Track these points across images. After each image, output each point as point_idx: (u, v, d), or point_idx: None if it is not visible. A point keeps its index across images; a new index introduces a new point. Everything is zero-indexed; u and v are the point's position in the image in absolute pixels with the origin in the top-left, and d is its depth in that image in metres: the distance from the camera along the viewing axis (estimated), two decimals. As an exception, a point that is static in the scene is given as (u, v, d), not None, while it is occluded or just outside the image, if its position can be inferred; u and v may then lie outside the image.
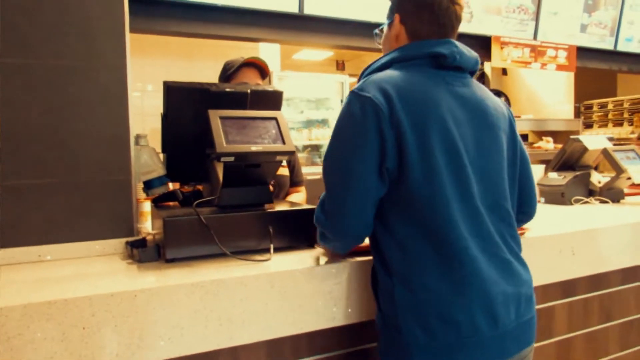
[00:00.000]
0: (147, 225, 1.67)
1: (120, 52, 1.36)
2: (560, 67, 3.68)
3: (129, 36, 1.42)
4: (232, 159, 1.24)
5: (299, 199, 1.99)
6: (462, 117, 1.08)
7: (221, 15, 2.68)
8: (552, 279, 1.54)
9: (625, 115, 5.41)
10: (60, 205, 1.29)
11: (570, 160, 2.30)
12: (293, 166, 2.06)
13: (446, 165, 1.02)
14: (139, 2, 2.36)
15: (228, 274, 1.08)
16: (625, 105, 5.39)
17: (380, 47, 1.28)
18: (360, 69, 1.25)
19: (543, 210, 2.07)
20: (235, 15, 2.70)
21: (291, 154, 1.31)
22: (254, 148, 1.26)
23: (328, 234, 1.13)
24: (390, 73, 1.10)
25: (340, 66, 7.74)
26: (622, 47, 3.84)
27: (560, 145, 3.04)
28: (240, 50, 3.46)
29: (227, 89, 1.41)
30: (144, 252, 1.22)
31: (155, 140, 1.48)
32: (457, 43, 1.13)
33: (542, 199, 2.26)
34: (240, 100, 1.43)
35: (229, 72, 1.89)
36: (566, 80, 4.57)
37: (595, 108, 5.46)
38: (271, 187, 1.49)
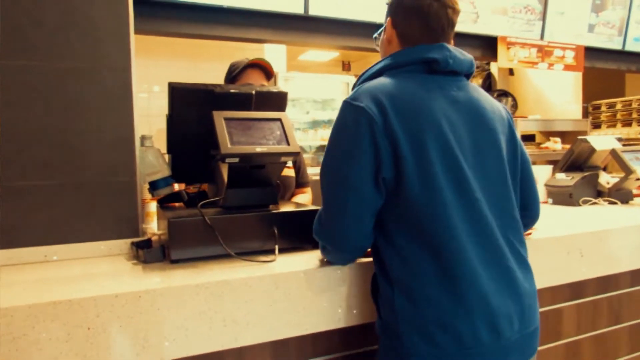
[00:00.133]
0: (153, 225, 1.67)
1: (125, 54, 1.36)
2: (567, 67, 3.66)
3: (133, 38, 1.42)
4: (236, 160, 1.24)
5: (304, 199, 1.99)
6: (458, 122, 1.06)
7: (226, 17, 2.69)
8: (560, 281, 1.52)
9: (634, 115, 5.36)
10: (65, 206, 1.29)
11: (578, 160, 2.28)
12: (299, 167, 2.06)
13: (444, 174, 1.01)
14: (144, 3, 2.37)
15: (233, 275, 1.08)
16: (634, 105, 5.34)
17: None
18: (366, 69, 1.23)
19: (551, 211, 2.05)
20: (241, 16, 2.70)
21: (296, 155, 1.30)
22: (258, 149, 1.25)
23: (328, 247, 1.12)
24: (383, 81, 1.08)
25: (346, 67, 7.73)
26: (630, 47, 3.81)
27: (568, 146, 3.01)
28: (245, 52, 3.47)
29: (232, 90, 1.41)
30: (149, 253, 1.22)
31: (161, 141, 1.48)
32: (450, 47, 1.11)
33: (550, 200, 2.24)
34: (244, 101, 1.43)
35: (234, 74, 1.89)
36: (574, 80, 4.54)
37: (603, 108, 5.41)
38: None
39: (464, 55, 1.13)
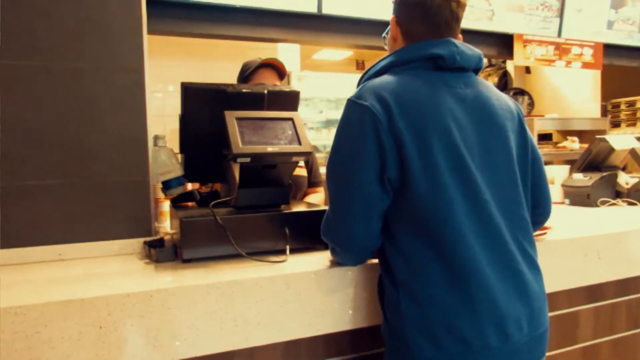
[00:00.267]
0: (167, 224, 1.68)
1: (138, 55, 1.37)
2: (585, 65, 3.58)
3: (146, 38, 1.43)
4: (248, 159, 1.23)
5: (317, 199, 1.98)
6: (465, 121, 1.03)
7: (239, 16, 2.69)
8: (576, 284, 1.49)
9: (655, 114, 5.24)
10: (79, 205, 1.31)
11: (596, 160, 2.23)
12: (311, 166, 2.05)
13: (450, 173, 0.98)
14: (156, 4, 2.37)
15: (244, 275, 1.07)
16: (655, 103, 5.21)
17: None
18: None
19: (568, 212, 2.02)
20: (253, 15, 2.69)
21: (307, 154, 1.30)
22: (270, 149, 1.25)
23: (335, 247, 1.11)
24: (388, 78, 1.06)
25: (360, 66, 7.70)
26: (651, 44, 3.72)
27: (586, 145, 2.96)
28: (259, 51, 3.47)
29: (244, 90, 1.41)
30: (161, 252, 1.23)
31: (175, 141, 1.48)
32: (457, 42, 1.08)
33: (567, 201, 2.20)
34: (257, 100, 1.42)
35: (246, 73, 1.89)
36: (592, 78, 4.45)
37: (622, 106, 5.29)
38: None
39: (472, 50, 1.10)
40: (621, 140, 2.21)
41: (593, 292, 1.57)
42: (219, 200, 1.34)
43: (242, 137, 1.24)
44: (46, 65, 1.28)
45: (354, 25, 2.93)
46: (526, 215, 1.09)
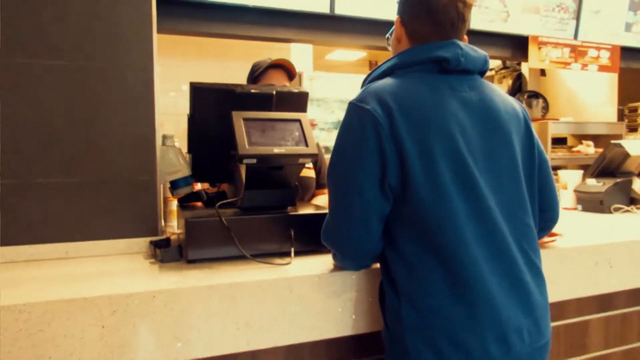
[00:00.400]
0: (175, 223, 1.69)
1: (148, 54, 1.38)
2: (602, 68, 3.52)
3: (156, 37, 1.44)
4: (254, 161, 1.23)
5: (324, 201, 1.97)
6: (469, 125, 1.01)
7: (252, 16, 2.69)
8: (586, 292, 1.46)
9: (674, 118, 5.13)
10: (86, 203, 1.32)
11: (610, 166, 2.19)
12: (320, 168, 2.05)
13: (453, 179, 0.97)
14: (169, 3, 2.39)
15: (247, 277, 1.07)
16: (674, 108, 5.11)
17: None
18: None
19: (580, 218, 1.98)
20: (266, 15, 2.70)
21: (314, 156, 1.29)
22: (276, 150, 1.25)
23: (336, 252, 1.10)
24: (390, 82, 1.04)
25: (373, 66, 7.66)
26: (670, 47, 3.64)
27: (601, 150, 2.91)
28: (272, 51, 3.46)
29: (253, 90, 1.41)
30: (166, 253, 1.23)
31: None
32: (462, 44, 1.06)
33: (580, 207, 2.16)
34: (265, 101, 1.42)
35: (256, 74, 1.89)
36: (609, 81, 4.37)
37: (640, 111, 5.21)
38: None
39: (477, 52, 1.08)
40: (637, 145, 2.16)
41: (604, 301, 1.54)
42: (225, 201, 1.33)
43: (248, 138, 1.24)
44: (56, 63, 1.29)
45: (366, 26, 2.92)
46: (530, 221, 1.07)
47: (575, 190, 2.19)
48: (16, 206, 1.26)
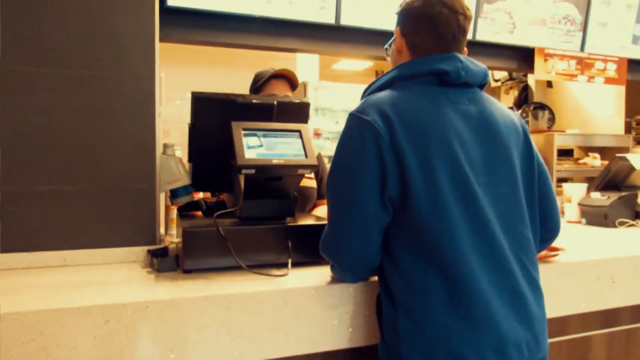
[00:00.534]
0: (176, 232, 1.69)
1: (150, 62, 1.38)
2: (609, 81, 3.50)
3: (158, 46, 1.45)
4: (253, 171, 1.23)
5: (325, 212, 1.96)
6: (468, 138, 1.01)
7: (258, 26, 2.70)
8: (589, 308, 1.44)
9: (682, 131, 5.08)
10: (85, 211, 1.32)
11: (615, 179, 2.17)
12: (321, 178, 2.04)
13: (453, 192, 0.96)
14: (175, 12, 2.41)
15: (242, 288, 1.06)
16: (682, 121, 5.05)
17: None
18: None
19: (583, 232, 1.96)
20: (272, 25, 2.71)
21: (313, 167, 1.29)
22: (275, 161, 1.24)
23: (334, 264, 1.10)
24: (391, 93, 1.05)
25: (379, 75, 7.68)
26: (678, 60, 3.61)
27: (608, 162, 2.88)
28: (279, 61, 3.48)
29: (254, 101, 1.41)
30: (162, 262, 1.23)
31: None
32: (462, 57, 1.06)
33: (584, 220, 2.14)
34: (266, 111, 1.42)
35: (258, 84, 1.90)
36: (616, 94, 4.34)
37: (648, 123, 5.16)
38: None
39: (477, 65, 1.08)
40: (643, 159, 2.14)
41: (607, 317, 1.52)
42: (224, 211, 1.33)
43: (247, 148, 1.24)
44: (57, 71, 1.30)
45: (371, 37, 2.93)
46: (529, 234, 1.06)
47: (579, 204, 2.17)
48: (15, 213, 1.27)
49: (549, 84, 4.79)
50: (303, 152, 1.30)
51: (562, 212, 2.21)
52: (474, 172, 0.99)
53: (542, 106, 4.52)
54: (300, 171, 1.29)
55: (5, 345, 0.90)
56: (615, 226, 2.03)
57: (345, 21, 2.80)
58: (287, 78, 1.89)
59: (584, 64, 3.47)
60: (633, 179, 2.16)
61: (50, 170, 1.30)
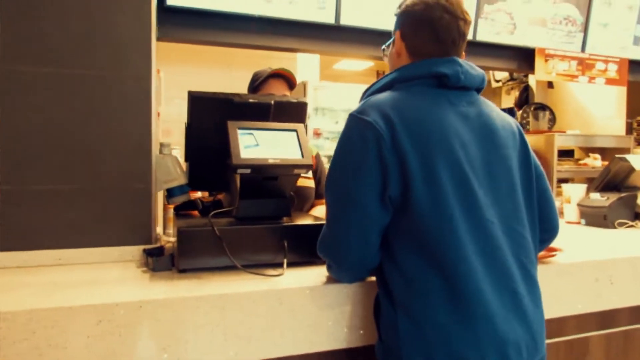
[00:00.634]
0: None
1: (146, 62, 1.38)
2: (610, 81, 3.49)
3: (155, 46, 1.44)
4: (248, 171, 1.23)
5: (323, 212, 1.95)
6: (468, 139, 1.01)
7: (257, 26, 2.70)
8: (587, 309, 1.43)
9: (684, 132, 5.06)
10: (81, 210, 1.32)
11: (615, 180, 2.16)
12: (319, 178, 2.03)
13: (454, 192, 0.96)
14: (174, 11, 2.41)
15: (236, 288, 1.06)
16: (684, 122, 5.03)
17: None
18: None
19: (582, 233, 1.95)
20: (271, 25, 2.70)
21: (309, 167, 1.28)
22: (271, 160, 1.24)
23: (332, 264, 1.09)
24: (391, 95, 1.05)
25: (380, 76, 7.67)
26: (679, 61, 3.60)
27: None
28: (280, 60, 3.47)
29: (251, 100, 1.41)
30: (157, 261, 1.22)
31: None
32: (462, 61, 1.07)
33: (583, 221, 2.13)
34: (263, 111, 1.42)
35: (256, 83, 1.90)
36: (618, 94, 4.33)
37: (649, 124, 5.14)
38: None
39: (475, 70, 1.09)
40: (642, 160, 2.13)
41: (605, 318, 1.51)
42: (219, 211, 1.33)
43: (243, 147, 1.24)
44: (53, 71, 1.30)
45: (371, 37, 2.92)
46: (528, 234, 1.06)
47: (578, 205, 2.16)
48: (11, 212, 1.27)
49: (550, 84, 4.78)
50: (299, 152, 1.29)
51: (562, 213, 2.20)
52: (474, 173, 0.99)
53: (542, 107, 4.52)
54: (296, 171, 1.29)
55: (-3, 344, 0.89)
56: (615, 227, 2.02)
57: (345, 21, 2.80)
58: (285, 77, 1.89)
59: (584, 65, 3.46)
60: (633, 180, 2.15)
61: (46, 170, 1.29)
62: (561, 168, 3.68)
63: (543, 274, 1.08)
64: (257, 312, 1.05)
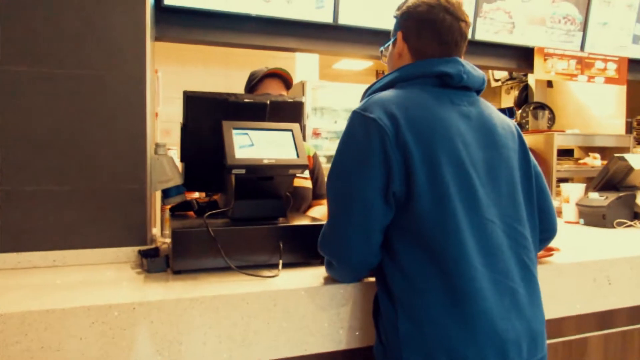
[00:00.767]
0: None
1: (141, 63, 1.37)
2: (609, 80, 3.48)
3: (150, 46, 1.44)
4: (243, 171, 1.22)
5: (321, 212, 1.95)
6: (470, 138, 1.02)
7: (255, 25, 2.69)
8: (585, 310, 1.42)
9: (684, 131, 5.05)
10: (76, 211, 1.31)
11: (613, 179, 2.15)
12: (317, 178, 2.03)
13: (456, 189, 0.96)
14: (173, 12, 2.40)
15: (230, 289, 1.05)
16: (684, 121, 5.02)
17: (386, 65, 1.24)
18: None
19: (581, 233, 1.94)
20: (269, 25, 2.70)
21: (304, 167, 1.27)
22: (266, 161, 1.23)
23: (333, 261, 1.09)
24: (394, 92, 1.05)
25: (379, 76, 7.67)
26: (679, 60, 3.59)
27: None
28: (278, 60, 3.45)
29: (246, 100, 1.40)
30: (152, 263, 1.22)
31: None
32: (464, 62, 1.08)
33: (582, 221, 2.12)
34: (259, 111, 1.41)
35: (252, 83, 1.89)
36: (617, 94, 4.32)
37: (649, 123, 5.13)
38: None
39: (477, 71, 1.10)
40: (641, 159, 2.12)
41: (603, 318, 1.50)
42: (215, 211, 1.32)
43: (238, 148, 1.23)
44: (47, 71, 1.29)
45: (369, 36, 2.92)
46: (528, 234, 1.07)
47: (577, 204, 2.15)
48: (5, 213, 1.26)
49: (549, 83, 4.77)
50: (295, 152, 1.28)
51: (560, 213, 2.19)
52: (476, 172, 1.00)
53: (542, 106, 4.51)
54: (291, 171, 1.28)
55: (-11, 347, 0.88)
56: (614, 227, 2.01)
57: (343, 20, 2.79)
58: (281, 77, 1.88)
59: (584, 64, 3.45)
60: (632, 179, 2.14)
61: (40, 171, 1.29)
62: (561, 167, 3.67)
63: (541, 274, 1.08)
64: (252, 314, 1.04)
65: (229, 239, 1.21)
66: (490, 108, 1.13)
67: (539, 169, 1.17)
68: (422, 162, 0.96)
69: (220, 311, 1.02)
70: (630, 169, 2.10)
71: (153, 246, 1.36)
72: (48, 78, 1.29)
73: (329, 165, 1.08)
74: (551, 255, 1.41)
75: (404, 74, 1.09)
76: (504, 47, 3.23)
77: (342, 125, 4.77)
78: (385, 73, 1.17)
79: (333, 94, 4.43)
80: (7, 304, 0.95)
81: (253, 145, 1.26)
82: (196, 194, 1.81)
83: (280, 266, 1.20)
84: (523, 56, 3.31)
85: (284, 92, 1.90)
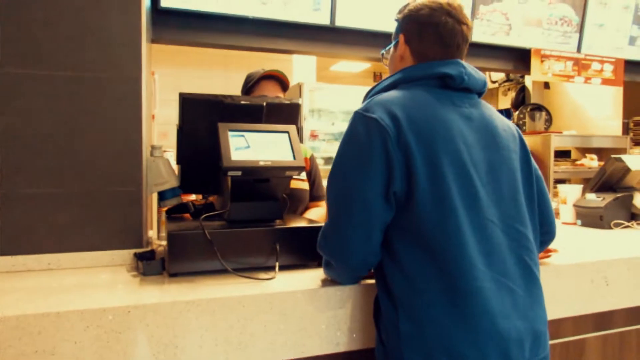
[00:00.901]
0: (165, 235, 1.67)
1: (137, 64, 1.37)
2: (605, 82, 3.49)
3: (146, 48, 1.43)
4: (239, 173, 1.21)
5: (318, 214, 1.94)
6: (471, 139, 1.02)
7: (252, 27, 2.69)
8: (582, 311, 1.42)
9: (680, 132, 5.06)
10: (71, 214, 1.30)
11: (610, 180, 2.15)
12: (314, 180, 2.02)
13: (457, 190, 0.97)
14: (169, 14, 2.40)
15: (227, 292, 1.05)
16: (680, 122, 5.04)
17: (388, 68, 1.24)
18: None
19: (578, 234, 1.94)
20: (266, 27, 2.70)
21: (301, 169, 1.27)
22: (262, 163, 1.23)
23: (332, 262, 1.08)
24: (396, 93, 1.06)
25: (377, 78, 7.68)
26: (675, 61, 3.60)
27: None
28: (276, 62, 3.45)
29: (242, 102, 1.40)
30: (148, 265, 1.21)
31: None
32: (465, 64, 1.09)
33: (579, 222, 2.12)
34: (255, 112, 1.41)
35: (249, 85, 1.89)
36: (614, 95, 4.33)
37: (646, 125, 5.14)
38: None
39: (478, 73, 1.11)
40: (638, 160, 2.12)
41: (601, 319, 1.50)
42: (211, 214, 1.31)
43: (234, 149, 1.23)
44: (44, 74, 1.28)
45: (367, 38, 2.92)
46: (530, 234, 1.07)
47: (574, 205, 2.15)
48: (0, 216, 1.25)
49: (546, 85, 4.78)
50: (291, 154, 1.28)
51: (558, 214, 2.19)
52: (477, 172, 1.00)
53: (539, 107, 4.51)
54: (287, 173, 1.28)
55: (-18, 351, 0.88)
56: (611, 227, 2.01)
57: (340, 22, 2.79)
58: (278, 79, 1.88)
59: (580, 65, 3.46)
60: (628, 180, 2.15)
61: (35, 173, 1.28)
62: (558, 169, 3.67)
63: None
64: (249, 316, 1.04)
65: (225, 241, 1.20)
66: (491, 110, 1.13)
67: (540, 172, 1.17)
68: (423, 163, 0.96)
69: (217, 314, 1.01)
70: (627, 170, 2.10)
71: (149, 249, 1.35)
72: (44, 80, 1.28)
73: (326, 167, 1.08)
74: (549, 256, 1.41)
75: (406, 75, 1.10)
76: (500, 49, 3.24)
77: (339, 127, 4.76)
78: (386, 76, 1.18)
79: (330, 96, 4.43)
80: (1, 307, 0.94)
81: (249, 147, 1.26)
82: (192, 196, 1.81)
83: (276, 268, 1.20)
84: (520, 58, 3.32)
85: (281, 94, 1.90)
